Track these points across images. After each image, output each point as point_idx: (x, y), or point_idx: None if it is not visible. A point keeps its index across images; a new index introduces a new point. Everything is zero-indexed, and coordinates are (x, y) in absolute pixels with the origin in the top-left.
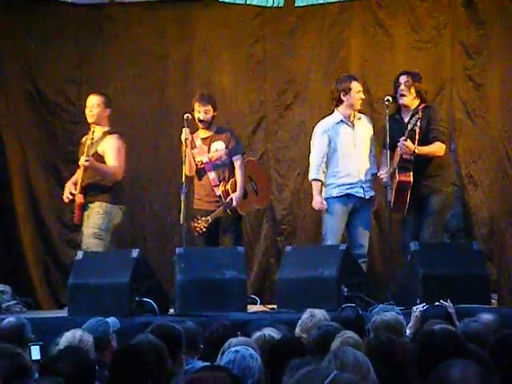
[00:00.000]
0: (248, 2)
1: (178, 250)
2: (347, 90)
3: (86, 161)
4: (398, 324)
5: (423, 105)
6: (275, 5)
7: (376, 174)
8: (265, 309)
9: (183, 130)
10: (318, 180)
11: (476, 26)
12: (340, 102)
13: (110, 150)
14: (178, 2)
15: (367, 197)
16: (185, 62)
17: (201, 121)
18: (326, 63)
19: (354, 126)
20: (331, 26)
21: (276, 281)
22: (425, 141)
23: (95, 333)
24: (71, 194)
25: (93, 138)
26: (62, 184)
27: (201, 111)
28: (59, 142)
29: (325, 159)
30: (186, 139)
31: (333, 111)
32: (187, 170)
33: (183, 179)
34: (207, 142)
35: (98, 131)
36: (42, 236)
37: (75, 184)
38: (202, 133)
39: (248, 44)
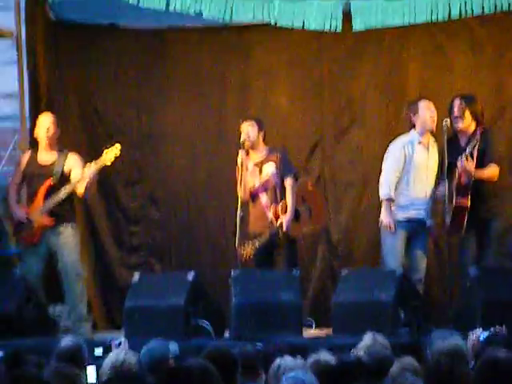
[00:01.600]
0: (305, 27)
1: (233, 272)
2: (416, 111)
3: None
4: (460, 351)
5: (481, 128)
6: (333, 29)
7: (434, 200)
8: (320, 332)
9: (239, 152)
10: (391, 199)
11: None
12: (413, 123)
13: (77, 166)
14: (236, 27)
15: (428, 222)
16: (242, 85)
17: (245, 140)
18: (383, 87)
19: (429, 149)
20: (389, 49)
21: (332, 304)
22: (481, 164)
23: (155, 354)
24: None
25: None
26: (120, 207)
27: (244, 129)
28: (117, 165)
29: (399, 176)
30: (241, 162)
31: (391, 135)
32: (242, 193)
33: (239, 202)
34: (259, 164)
35: (47, 151)
36: (98, 257)
37: (30, 202)
38: (254, 156)
39: (305, 67)
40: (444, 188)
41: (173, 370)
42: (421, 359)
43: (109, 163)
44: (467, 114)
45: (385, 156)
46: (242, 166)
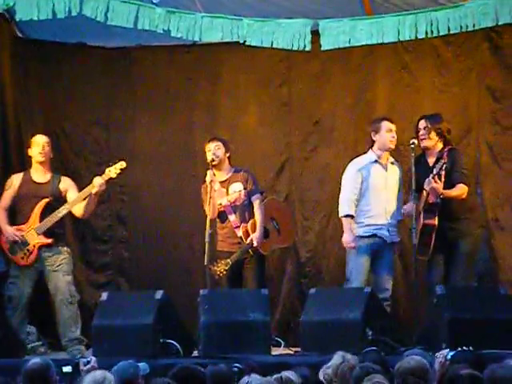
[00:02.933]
0: (274, 46)
1: (201, 291)
2: (377, 130)
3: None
4: (424, 369)
5: (448, 147)
6: (301, 48)
7: (401, 219)
8: (289, 351)
9: (208, 172)
10: (350, 216)
11: (502, 70)
12: (372, 142)
13: (73, 187)
14: (204, 45)
15: (392, 241)
16: (211, 104)
17: (212, 160)
18: (351, 106)
19: (387, 168)
20: (357, 69)
21: (300, 323)
22: (448, 183)
23: (125, 375)
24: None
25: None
26: (88, 226)
27: (211, 149)
28: (84, 184)
29: (357, 196)
30: (210, 181)
31: (359, 154)
32: (211, 212)
33: (207, 221)
34: (225, 184)
35: (41, 170)
36: None
37: (25, 222)
38: (220, 175)
39: (274, 87)
40: (411, 207)
41: None
42: (389, 378)
43: (114, 175)
44: (433, 133)
45: (343, 176)
46: (210, 184)
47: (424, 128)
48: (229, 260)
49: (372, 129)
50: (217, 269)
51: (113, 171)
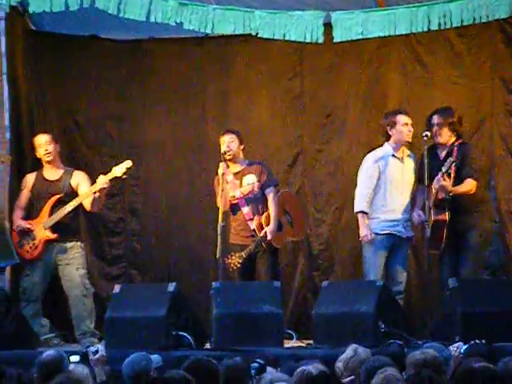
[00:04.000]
0: (286, 38)
1: (214, 284)
2: (393, 124)
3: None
4: (438, 362)
5: (459, 141)
6: (314, 41)
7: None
8: (301, 344)
9: (220, 164)
10: (365, 212)
11: None
12: (388, 136)
13: (85, 181)
14: (216, 38)
15: (407, 236)
16: (222, 96)
17: (226, 152)
18: (363, 99)
19: (403, 161)
20: (369, 61)
21: (312, 316)
22: (458, 178)
23: (137, 367)
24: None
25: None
26: (101, 219)
27: (225, 141)
28: (97, 177)
29: (372, 191)
30: (223, 174)
31: (372, 147)
32: (222, 204)
33: (220, 214)
34: (239, 176)
35: (52, 168)
36: None
37: (36, 217)
38: (233, 167)
39: (286, 79)
40: (419, 218)
41: (153, 381)
42: (402, 371)
43: (119, 175)
44: (446, 129)
45: (359, 170)
46: (222, 177)
47: (437, 124)
48: (242, 253)
49: (387, 123)
50: (230, 262)
51: (118, 170)
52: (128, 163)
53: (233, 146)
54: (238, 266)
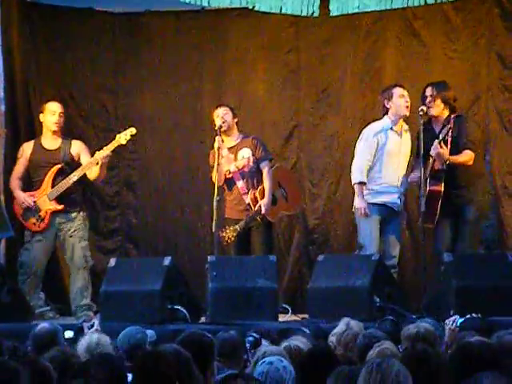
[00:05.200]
0: (283, 11)
1: (209, 258)
2: (389, 97)
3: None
4: (433, 335)
5: (454, 114)
6: (310, 14)
7: (407, 188)
8: (296, 318)
9: (216, 138)
10: (363, 183)
11: None
12: (386, 109)
13: (85, 150)
14: (212, 11)
15: (402, 209)
16: (219, 70)
17: (221, 126)
18: (360, 73)
19: (401, 135)
20: (366, 35)
21: (307, 290)
22: (455, 150)
23: (132, 340)
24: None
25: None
26: (96, 192)
27: (219, 114)
28: (91, 149)
29: (370, 163)
30: (218, 148)
31: (367, 121)
32: (218, 179)
33: (215, 188)
34: (234, 150)
35: (52, 137)
36: None
37: (38, 188)
38: (228, 141)
39: (282, 53)
40: (418, 174)
41: (146, 354)
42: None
43: (124, 142)
44: (438, 101)
45: (357, 142)
46: (218, 151)
47: (430, 95)
48: (237, 226)
49: (384, 96)
50: (225, 235)
51: (123, 137)
52: (132, 130)
53: (227, 117)
54: (233, 239)
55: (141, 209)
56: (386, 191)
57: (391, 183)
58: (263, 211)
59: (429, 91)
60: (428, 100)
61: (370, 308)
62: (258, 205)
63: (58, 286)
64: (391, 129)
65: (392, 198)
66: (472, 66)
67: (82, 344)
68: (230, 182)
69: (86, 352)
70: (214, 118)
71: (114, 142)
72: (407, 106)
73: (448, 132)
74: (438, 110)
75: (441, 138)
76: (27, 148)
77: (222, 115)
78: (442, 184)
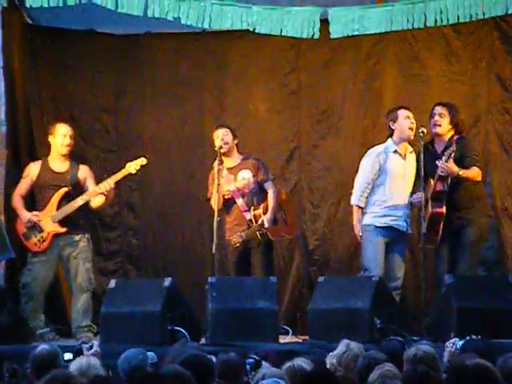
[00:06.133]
0: (283, 34)
1: (210, 279)
2: (395, 119)
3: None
4: (433, 358)
5: (457, 136)
6: (310, 36)
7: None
8: (297, 339)
9: (215, 163)
10: (360, 207)
11: None
12: (392, 131)
13: (91, 176)
14: (214, 33)
15: (407, 231)
16: (220, 92)
17: (221, 147)
18: (360, 95)
19: (405, 157)
20: (366, 57)
21: (308, 311)
22: None
23: (133, 361)
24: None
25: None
26: (97, 213)
27: (219, 135)
28: (92, 170)
29: (370, 186)
30: (218, 170)
31: (368, 142)
32: (216, 203)
33: (216, 208)
34: (233, 171)
35: (61, 160)
36: None
37: (42, 209)
38: (228, 162)
39: (283, 74)
40: (420, 196)
41: (147, 376)
42: (399, 366)
43: (134, 171)
44: (447, 121)
45: (361, 162)
46: (218, 173)
47: (439, 114)
48: (242, 233)
49: (389, 118)
50: (231, 239)
51: (133, 167)
52: (143, 160)
53: (227, 139)
54: (238, 244)
55: (141, 230)
56: (392, 214)
57: (396, 206)
58: (266, 225)
59: (438, 110)
60: (436, 118)
61: (370, 330)
62: (261, 219)
63: (58, 307)
64: (395, 151)
65: (398, 220)
66: (472, 89)
67: (73, 368)
68: (228, 204)
69: (79, 375)
70: (214, 139)
71: (123, 170)
72: (411, 128)
73: (451, 154)
74: (445, 129)
75: (444, 159)
76: (35, 168)
77: (222, 136)
78: (444, 206)
